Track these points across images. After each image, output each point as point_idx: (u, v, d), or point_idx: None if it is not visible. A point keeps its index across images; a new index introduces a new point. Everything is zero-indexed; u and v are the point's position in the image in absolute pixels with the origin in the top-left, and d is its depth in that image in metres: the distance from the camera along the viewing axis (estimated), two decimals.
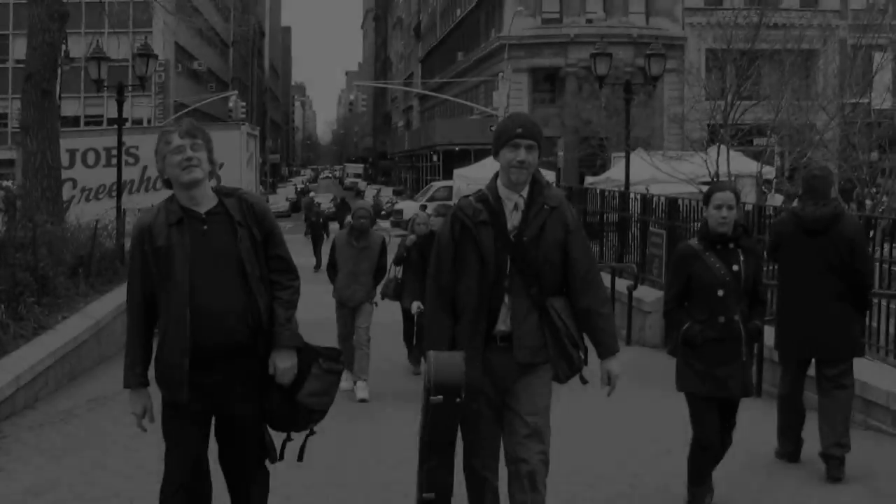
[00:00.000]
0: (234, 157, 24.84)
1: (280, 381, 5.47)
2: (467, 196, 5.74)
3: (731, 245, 7.04)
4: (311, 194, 47.03)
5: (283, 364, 5.46)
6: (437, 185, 52.47)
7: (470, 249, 5.57)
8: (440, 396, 5.20)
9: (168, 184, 5.51)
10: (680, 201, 17.43)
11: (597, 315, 5.61)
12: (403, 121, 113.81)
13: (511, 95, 55.99)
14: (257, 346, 5.44)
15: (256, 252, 5.49)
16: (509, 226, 5.58)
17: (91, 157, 25.06)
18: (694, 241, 7.24)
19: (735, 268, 6.98)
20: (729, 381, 6.97)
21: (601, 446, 9.25)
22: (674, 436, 8.27)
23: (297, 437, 5.64)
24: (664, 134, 46.44)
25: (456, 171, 42.84)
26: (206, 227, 5.44)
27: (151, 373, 5.40)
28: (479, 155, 45.20)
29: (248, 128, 27.07)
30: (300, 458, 5.60)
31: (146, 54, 26.08)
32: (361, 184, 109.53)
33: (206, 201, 5.49)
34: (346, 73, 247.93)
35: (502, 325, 5.55)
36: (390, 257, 13.10)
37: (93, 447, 9.02)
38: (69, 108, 58.93)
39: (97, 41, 29.66)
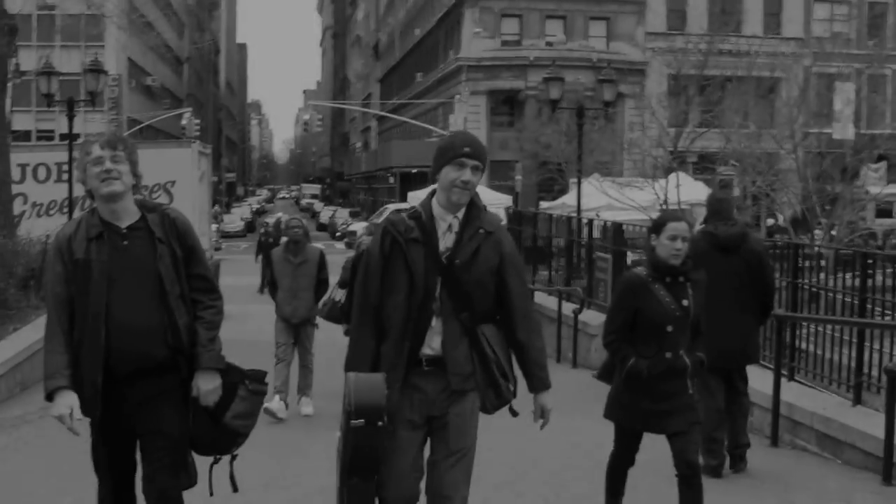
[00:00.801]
0: (186, 174, 25.13)
1: (203, 402, 5.46)
2: (399, 211, 5.60)
3: (681, 278, 6.92)
4: (280, 215, 46.97)
5: (206, 386, 5.45)
6: (392, 206, 52.91)
7: (399, 266, 5.40)
8: (361, 420, 5.08)
9: (92, 195, 5.49)
10: (625, 227, 18.14)
11: (532, 348, 5.52)
12: (361, 141, 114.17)
13: (468, 118, 56.62)
14: (179, 365, 5.43)
15: (177, 269, 5.47)
16: (441, 247, 5.41)
17: (42, 173, 25.30)
18: (641, 271, 7.05)
19: (685, 302, 6.86)
20: (671, 418, 6.85)
21: (533, 464, 9.47)
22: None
23: (223, 466, 5.66)
24: (623, 159, 47.21)
25: (410, 194, 43.42)
26: (125, 242, 5.42)
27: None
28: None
29: (200, 146, 27.35)
30: (234, 488, 5.66)
31: (96, 70, 26.44)
32: (318, 205, 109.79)
33: (127, 216, 5.47)
34: (304, 92, 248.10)
35: (428, 348, 5.39)
36: (334, 273, 12.90)
37: (43, 449, 9.53)
38: (20, 122, 59.14)
39: (47, 56, 29.94)
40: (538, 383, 5.54)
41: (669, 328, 6.80)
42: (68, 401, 5.28)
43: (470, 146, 5.39)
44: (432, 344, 5.38)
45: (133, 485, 5.56)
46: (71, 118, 25.88)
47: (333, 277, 12.67)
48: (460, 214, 5.44)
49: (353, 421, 5.08)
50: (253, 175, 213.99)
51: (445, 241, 5.42)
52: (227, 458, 5.65)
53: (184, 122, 67.05)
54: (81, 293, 5.32)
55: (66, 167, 24.68)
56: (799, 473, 9.38)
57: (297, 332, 12.42)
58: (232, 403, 5.51)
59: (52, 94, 26.47)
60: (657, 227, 6.98)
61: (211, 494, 5.63)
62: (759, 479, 8.89)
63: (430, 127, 60.61)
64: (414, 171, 63.07)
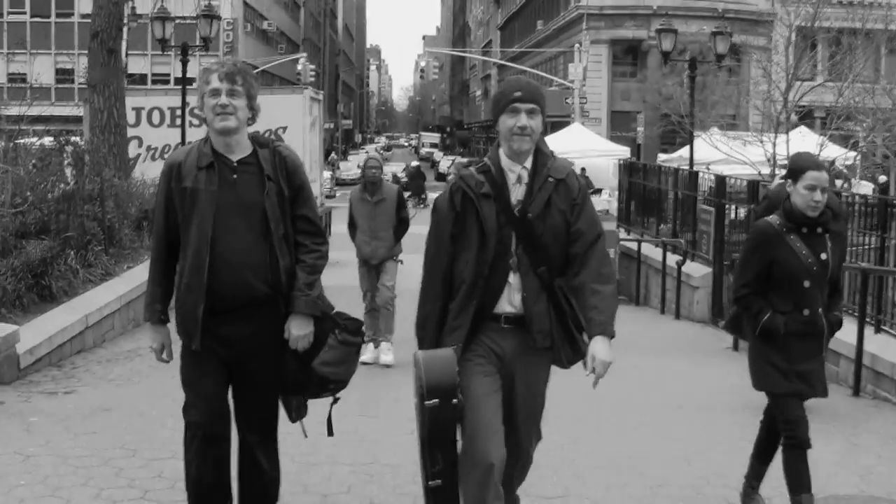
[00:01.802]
0: (297, 121, 25.91)
1: (293, 346, 5.57)
2: (468, 166, 5.55)
3: (819, 230, 6.48)
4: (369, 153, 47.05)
5: (298, 331, 5.56)
6: None
7: (472, 222, 5.36)
8: (436, 400, 5.10)
9: (205, 121, 5.58)
10: (729, 180, 18.64)
11: (591, 292, 5.28)
12: (481, 89, 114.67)
13: (589, 68, 56.81)
14: (279, 304, 5.54)
15: (283, 208, 5.54)
16: (513, 200, 5.37)
17: (156, 117, 26.28)
18: (774, 220, 6.56)
19: (823, 256, 6.44)
20: (813, 379, 6.52)
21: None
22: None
23: (321, 408, 5.85)
24: (750, 113, 47.00)
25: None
26: (235, 175, 5.50)
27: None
28: (557, 127, 45.93)
29: (312, 92, 28.03)
30: (330, 431, 5.86)
31: (210, 15, 27.48)
32: (437, 154, 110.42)
33: (239, 149, 5.54)
34: (423, 38, 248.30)
35: (509, 305, 5.37)
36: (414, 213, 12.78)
37: (154, 379, 10.43)
38: (136, 66, 60.90)
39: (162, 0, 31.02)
40: (594, 326, 5.24)
41: (806, 283, 6.42)
42: (158, 337, 5.67)
43: (521, 90, 5.35)
44: (513, 301, 5.35)
45: (227, 423, 5.66)
46: (185, 63, 26.94)
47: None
48: (528, 163, 5.39)
49: (426, 402, 5.10)
50: (371, 122, 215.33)
51: (516, 194, 5.38)
52: (327, 401, 5.81)
53: (299, 67, 68.11)
54: (187, 223, 5.47)
55: (179, 112, 25.91)
56: (872, 420, 9.97)
57: (377, 273, 12.51)
58: (321, 351, 5.61)
59: (167, 38, 27.51)
60: (794, 173, 6.50)
61: (305, 436, 5.87)
62: (831, 423, 9.34)
63: (550, 76, 60.90)
64: None
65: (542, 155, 5.40)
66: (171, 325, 5.68)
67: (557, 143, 32.52)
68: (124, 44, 22.90)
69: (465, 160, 6.48)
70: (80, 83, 57.89)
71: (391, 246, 12.46)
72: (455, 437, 5.26)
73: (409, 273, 10.77)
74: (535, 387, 5.52)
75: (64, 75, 69.83)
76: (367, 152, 14.52)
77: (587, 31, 60.27)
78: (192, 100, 25.78)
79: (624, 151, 39.90)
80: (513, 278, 5.32)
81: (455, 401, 5.12)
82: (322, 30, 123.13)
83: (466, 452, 5.35)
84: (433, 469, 5.20)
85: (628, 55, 61.86)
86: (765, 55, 36.88)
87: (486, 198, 5.31)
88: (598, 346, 5.20)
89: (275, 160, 5.54)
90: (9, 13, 73.35)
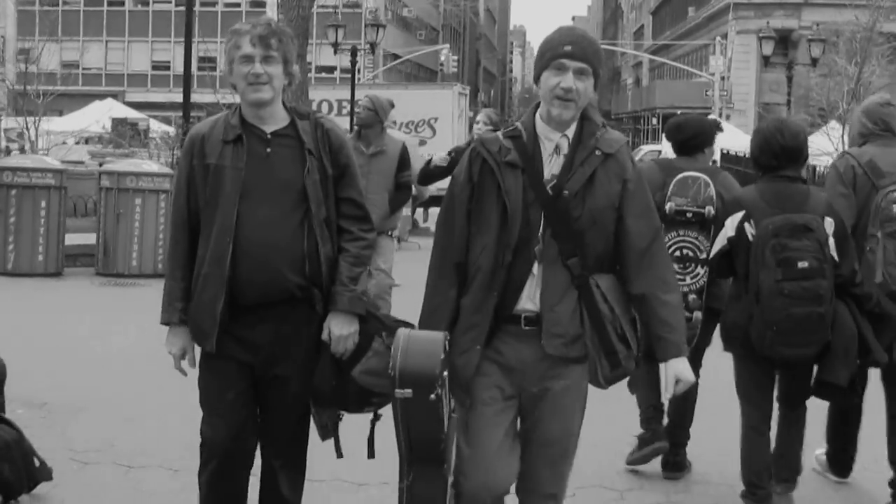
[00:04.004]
0: (447, 112, 33.13)
1: (334, 349, 5.31)
2: (496, 130, 5.24)
3: None
4: None
5: (340, 331, 5.29)
6: (645, 148, 57.66)
7: (491, 197, 4.86)
8: (408, 390, 4.63)
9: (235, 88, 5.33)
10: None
11: (659, 303, 4.85)
12: (633, 77, 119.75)
13: (736, 59, 62.21)
14: (313, 299, 5.30)
15: (326, 189, 5.29)
16: (546, 174, 4.85)
17: (325, 108, 33.94)
18: None
19: None
20: None
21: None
22: None
23: (361, 424, 5.46)
24: None
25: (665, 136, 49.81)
26: (268, 149, 5.25)
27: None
28: None
29: (460, 87, 35.46)
30: (371, 453, 5.39)
31: (375, 24, 35.00)
32: None
33: (273, 120, 5.31)
34: (573, 19, 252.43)
35: (529, 303, 4.86)
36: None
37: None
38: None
39: None
40: (666, 347, 4.86)
41: None
42: (178, 340, 5.38)
43: (572, 43, 4.81)
44: (534, 298, 4.87)
45: (249, 444, 5.43)
46: (353, 63, 34.21)
47: None
48: (571, 132, 4.89)
49: (396, 391, 4.65)
50: (514, 110, 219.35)
51: (552, 167, 4.88)
52: (368, 417, 5.46)
53: (441, 58, 74.58)
54: (209, 205, 5.24)
55: (346, 103, 33.51)
56: None
57: None
58: (364, 356, 5.33)
59: (338, 42, 34.77)
60: None
61: (339, 456, 5.62)
62: None
63: (692, 69, 66.19)
64: (678, 112, 68.22)
65: (589, 123, 4.92)
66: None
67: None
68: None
69: None
70: (220, 71, 64.98)
71: (384, 216, 10.82)
72: (440, 448, 4.82)
73: (421, 260, 8.66)
74: (566, 397, 4.96)
75: (204, 62, 77.96)
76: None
77: (734, 20, 65.28)
78: (360, 94, 33.63)
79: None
80: (536, 269, 4.85)
81: (433, 396, 4.63)
82: (462, 13, 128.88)
83: (457, 493, 4.98)
84: (409, 488, 4.85)
85: (778, 45, 67.01)
86: None
87: (511, 168, 4.83)
88: (680, 368, 4.85)
89: (317, 133, 5.33)
90: (154, 3, 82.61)
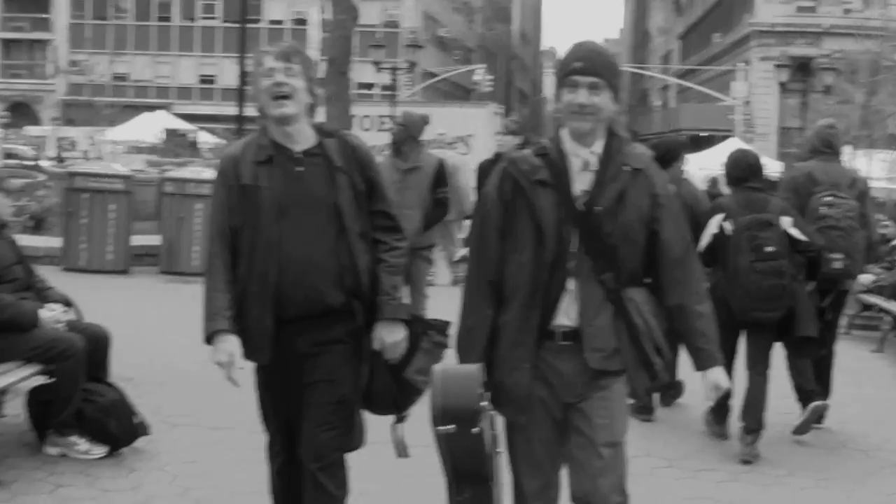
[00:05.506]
0: (482, 130, 34.05)
1: (388, 356, 5.41)
2: (524, 146, 4.92)
3: None
4: None
5: (391, 338, 5.39)
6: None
7: (524, 216, 4.82)
8: (451, 426, 4.60)
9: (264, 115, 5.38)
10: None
11: (693, 314, 4.87)
12: (661, 100, 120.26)
13: (758, 84, 62.95)
14: (354, 311, 5.35)
15: (358, 204, 5.34)
16: (576, 190, 4.81)
17: (367, 123, 35.12)
18: None
19: None
20: None
21: None
22: None
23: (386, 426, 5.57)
24: None
25: (687, 156, 50.44)
26: (299, 168, 5.30)
27: None
28: (717, 141, 51.27)
29: (495, 107, 36.71)
30: (404, 451, 5.52)
31: (414, 45, 35.91)
32: None
33: (302, 139, 5.35)
34: (605, 41, 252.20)
35: (565, 318, 4.81)
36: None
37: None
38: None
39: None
40: (705, 358, 4.91)
41: None
42: (228, 347, 5.26)
43: (582, 59, 4.76)
44: (569, 313, 4.82)
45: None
46: (394, 80, 35.31)
47: None
48: (598, 148, 4.85)
49: (439, 428, 4.61)
50: (545, 129, 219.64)
51: (581, 183, 4.83)
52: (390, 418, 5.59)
53: (476, 77, 75.36)
54: (249, 225, 5.26)
55: (385, 119, 34.47)
56: None
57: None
58: (414, 357, 5.46)
59: (379, 62, 35.85)
60: None
61: (403, 455, 5.55)
62: None
63: (716, 94, 66.86)
64: (703, 134, 68.90)
65: (615, 139, 4.90)
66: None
67: (712, 157, 38.10)
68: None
69: None
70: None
71: (417, 232, 10.59)
72: (487, 471, 4.78)
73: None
74: (609, 405, 4.92)
75: (250, 77, 79.22)
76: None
77: (757, 47, 66.14)
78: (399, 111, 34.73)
79: (777, 167, 46.24)
80: (571, 285, 4.82)
81: (475, 430, 4.59)
82: (497, 35, 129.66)
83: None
84: (458, 498, 4.82)
85: (798, 72, 67.72)
86: None
87: (541, 186, 4.81)
88: (718, 376, 4.92)
89: (344, 151, 5.38)
90: (201, 18, 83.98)
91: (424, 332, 5.52)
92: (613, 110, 4.85)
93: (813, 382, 9.53)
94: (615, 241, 4.78)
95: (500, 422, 5.03)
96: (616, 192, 4.79)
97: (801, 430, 9.31)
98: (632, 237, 4.82)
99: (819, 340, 9.07)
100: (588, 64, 4.75)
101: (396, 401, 5.53)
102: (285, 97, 5.24)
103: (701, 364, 4.93)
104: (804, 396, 9.48)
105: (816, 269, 9.02)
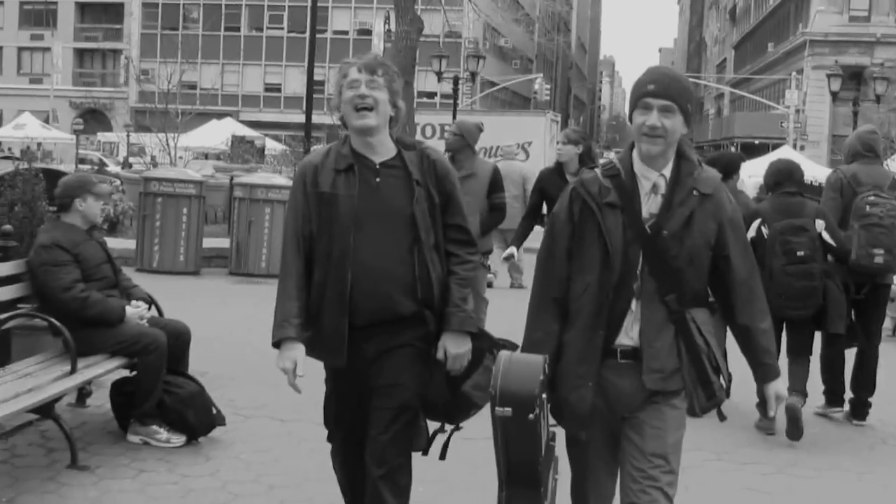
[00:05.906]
0: (539, 137, 34.61)
1: (450, 367, 5.40)
2: (594, 167, 5.05)
3: None
4: None
5: (456, 350, 5.38)
6: None
7: (592, 237, 4.81)
8: (508, 409, 4.58)
9: (346, 124, 5.36)
10: None
11: (759, 332, 4.96)
12: (715, 108, 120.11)
13: (812, 93, 62.84)
14: (425, 320, 5.37)
15: (434, 216, 5.34)
16: (644, 212, 4.80)
17: (428, 131, 35.50)
18: None
19: None
20: None
21: None
22: None
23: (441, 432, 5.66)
24: None
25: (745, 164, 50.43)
26: (378, 179, 5.29)
27: None
28: (770, 149, 51.65)
29: (552, 115, 37.17)
30: (443, 455, 5.61)
31: (476, 56, 36.49)
32: None
33: (382, 150, 5.34)
34: (660, 51, 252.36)
35: (626, 337, 4.82)
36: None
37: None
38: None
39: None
40: (769, 371, 5.04)
41: None
42: (293, 354, 5.27)
43: (655, 82, 4.76)
44: (631, 332, 4.83)
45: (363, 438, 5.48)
46: (455, 90, 35.81)
47: None
48: (668, 171, 4.82)
49: (497, 409, 4.61)
50: (602, 137, 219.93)
51: (649, 206, 4.82)
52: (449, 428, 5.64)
53: (535, 86, 75.92)
54: (325, 232, 5.28)
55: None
56: None
57: None
58: (475, 372, 5.44)
59: (441, 71, 36.47)
60: None
61: (442, 458, 5.65)
62: None
63: (769, 102, 66.77)
64: (756, 142, 68.40)
65: (686, 162, 4.86)
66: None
67: (763, 165, 38.96)
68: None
69: None
70: (328, 94, 66.91)
71: (476, 237, 9.82)
72: (536, 467, 4.76)
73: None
74: (665, 420, 4.88)
75: (315, 85, 79.94)
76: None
77: (810, 56, 66.12)
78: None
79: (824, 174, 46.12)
80: (634, 305, 4.82)
81: (531, 416, 4.57)
82: (555, 44, 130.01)
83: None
84: (508, 500, 4.82)
85: (851, 81, 67.40)
86: None
87: (610, 208, 4.80)
88: (780, 388, 5.07)
89: (423, 164, 5.38)
90: (267, 28, 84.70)
91: (490, 350, 5.45)
92: (684, 134, 4.84)
93: (841, 384, 10.00)
94: (681, 263, 4.78)
95: (560, 435, 5.15)
96: (684, 217, 4.78)
97: (791, 434, 9.23)
98: (696, 260, 4.82)
99: (848, 335, 9.60)
100: (661, 87, 4.73)
101: (448, 411, 5.56)
102: (368, 109, 5.23)
103: (765, 377, 5.06)
104: (830, 395, 10.10)
105: (844, 263, 9.57)
